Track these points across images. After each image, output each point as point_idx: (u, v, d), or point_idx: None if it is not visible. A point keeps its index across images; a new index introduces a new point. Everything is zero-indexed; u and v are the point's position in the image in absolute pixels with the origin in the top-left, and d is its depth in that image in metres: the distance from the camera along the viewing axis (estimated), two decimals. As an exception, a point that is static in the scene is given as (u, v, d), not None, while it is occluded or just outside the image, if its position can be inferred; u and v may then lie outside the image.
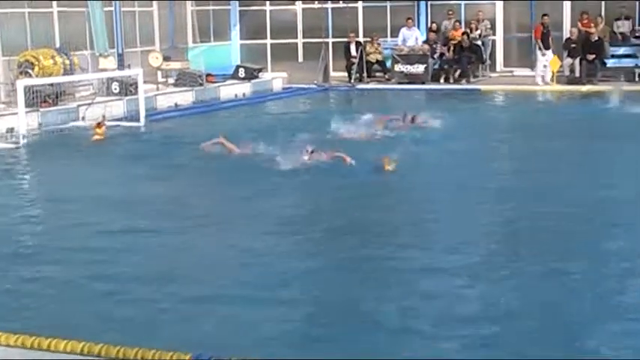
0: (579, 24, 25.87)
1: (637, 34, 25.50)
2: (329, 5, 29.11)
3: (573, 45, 25.28)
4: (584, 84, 24.53)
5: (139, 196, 11.69)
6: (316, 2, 29.34)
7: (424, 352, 6.24)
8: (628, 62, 25.17)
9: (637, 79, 24.75)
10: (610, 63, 25.29)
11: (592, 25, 25.52)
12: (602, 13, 26.26)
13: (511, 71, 27.36)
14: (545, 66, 25.16)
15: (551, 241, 9.25)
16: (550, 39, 25.32)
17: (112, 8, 23.16)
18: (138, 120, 18.93)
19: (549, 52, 25.10)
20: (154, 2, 26.46)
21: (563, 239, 9.31)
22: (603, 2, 26.60)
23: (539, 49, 25.28)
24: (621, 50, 25.40)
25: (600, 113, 19.75)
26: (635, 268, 8.26)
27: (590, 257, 8.58)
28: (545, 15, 25.86)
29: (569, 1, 27.00)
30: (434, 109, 18.40)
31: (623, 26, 25.68)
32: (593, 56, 24.86)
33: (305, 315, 7.05)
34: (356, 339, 6.51)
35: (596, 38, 25.06)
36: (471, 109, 21.21)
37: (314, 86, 26.27)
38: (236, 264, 8.45)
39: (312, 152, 13.23)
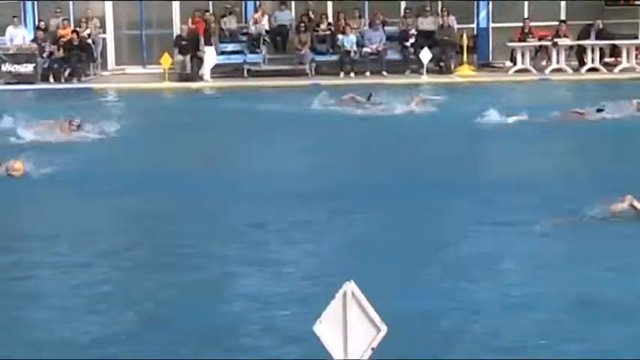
0: (190, 21, 25.99)
1: (244, 32, 26.05)
2: None
3: (184, 42, 25.35)
4: (195, 81, 24.72)
5: None
6: None
7: None
8: (237, 58, 25.65)
9: (246, 74, 25.28)
10: (220, 59, 25.63)
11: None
12: (211, 10, 26.55)
13: (123, 69, 26.99)
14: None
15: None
16: (210, 35, 25.24)
17: None
18: None
19: (211, 49, 24.96)
20: None
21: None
22: (211, 2, 26.91)
23: (201, 45, 25.08)
24: (230, 47, 25.85)
25: (219, 109, 20.01)
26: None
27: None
28: (207, 11, 25.77)
29: (179, 1, 27.05)
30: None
31: (230, 22, 26.10)
32: (204, 53, 25.08)
33: None
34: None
35: (206, 35, 25.32)
36: (85, 107, 20.54)
37: None
38: None
39: None
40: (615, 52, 25.42)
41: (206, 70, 25.03)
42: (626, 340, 6.70)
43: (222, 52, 25.75)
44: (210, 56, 25.03)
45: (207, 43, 25.09)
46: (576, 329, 6.88)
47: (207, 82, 24.68)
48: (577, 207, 10.10)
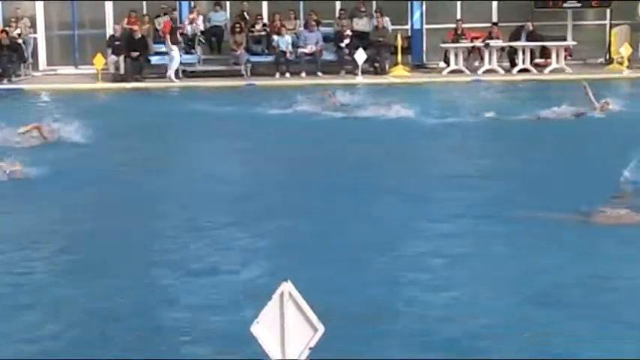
0: (125, 21, 25.78)
1: (179, 32, 25.89)
2: None
3: (117, 42, 25.17)
4: (129, 81, 24.54)
5: None
6: None
7: None
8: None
9: (181, 75, 25.10)
10: (154, 60, 25.51)
11: (138, 23, 25.57)
12: (145, 11, 26.39)
13: (54, 70, 26.71)
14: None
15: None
16: (177, 34, 25.04)
17: None
18: None
19: (175, 48, 24.75)
20: None
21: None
22: (145, 2, 26.73)
23: (167, 44, 24.87)
24: (164, 47, 25.67)
25: (155, 111, 19.90)
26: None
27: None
28: (174, 10, 25.58)
29: (111, 1, 26.83)
30: None
31: (159, 24, 25.92)
32: (138, 54, 24.91)
33: None
34: None
35: (140, 36, 25.13)
36: (21, 108, 20.30)
37: None
38: None
39: None
40: (545, 53, 25.84)
41: (171, 70, 24.84)
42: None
43: (157, 53, 25.60)
44: (176, 56, 24.86)
45: (173, 42, 24.89)
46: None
47: (141, 83, 24.53)
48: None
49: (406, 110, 18.07)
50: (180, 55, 25.11)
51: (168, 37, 24.77)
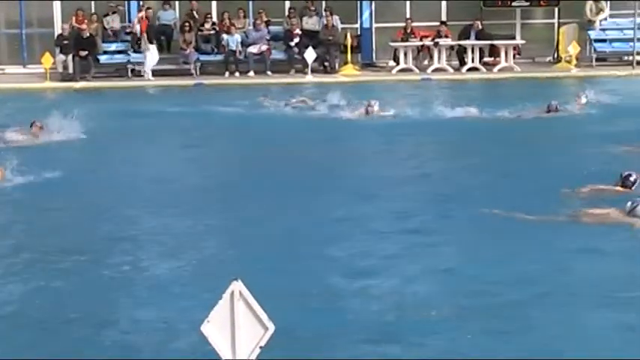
0: (73, 20, 25.53)
1: (127, 31, 25.72)
2: None
3: (65, 41, 24.92)
4: (77, 81, 24.30)
5: None
6: None
7: None
8: (120, 58, 25.34)
9: (130, 74, 24.93)
10: (103, 59, 25.31)
11: (86, 21, 25.32)
12: (93, 10, 26.16)
13: (2, 69, 26.37)
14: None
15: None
16: (153, 33, 24.79)
17: None
18: None
19: (153, 47, 24.48)
20: None
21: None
22: (93, 1, 26.48)
23: (144, 42, 24.58)
24: (113, 46, 25.53)
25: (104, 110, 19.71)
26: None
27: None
28: (149, 8, 25.35)
29: (60, 0, 26.55)
30: None
31: (114, 22, 25.76)
32: (86, 53, 24.66)
33: None
34: None
35: (88, 35, 24.90)
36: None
37: None
38: None
39: None
40: (494, 52, 26.04)
41: (147, 68, 24.58)
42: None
43: (105, 52, 25.39)
44: (154, 54, 24.59)
45: (150, 41, 24.63)
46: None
47: (90, 83, 24.32)
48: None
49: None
50: (129, 54, 25.00)
51: (145, 36, 24.56)
